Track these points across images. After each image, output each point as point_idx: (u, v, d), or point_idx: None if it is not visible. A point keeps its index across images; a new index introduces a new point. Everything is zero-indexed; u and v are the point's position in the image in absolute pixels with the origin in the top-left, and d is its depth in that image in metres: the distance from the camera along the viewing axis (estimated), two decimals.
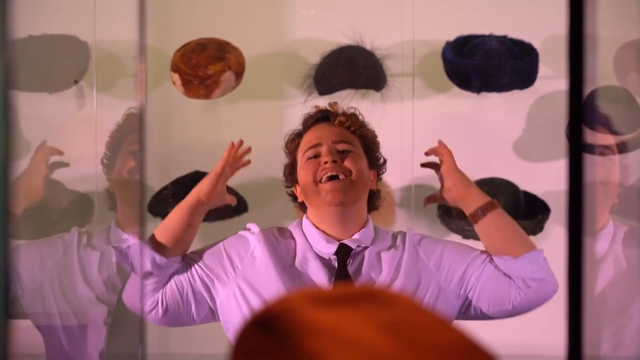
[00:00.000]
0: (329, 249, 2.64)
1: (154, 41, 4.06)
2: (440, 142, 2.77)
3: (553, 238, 3.89)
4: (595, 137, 3.23)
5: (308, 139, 2.71)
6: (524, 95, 3.91)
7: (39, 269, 3.16)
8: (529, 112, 4.03)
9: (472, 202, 2.69)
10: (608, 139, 3.24)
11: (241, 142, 2.77)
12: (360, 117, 2.76)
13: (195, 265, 2.67)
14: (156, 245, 2.63)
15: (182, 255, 2.67)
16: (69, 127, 3.73)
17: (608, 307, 3.15)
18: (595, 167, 3.20)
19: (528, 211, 3.84)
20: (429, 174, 4.16)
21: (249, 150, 2.78)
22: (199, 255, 2.70)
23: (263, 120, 4.10)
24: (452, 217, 3.85)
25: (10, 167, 1.23)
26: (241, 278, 2.64)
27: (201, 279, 2.66)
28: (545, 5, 3.97)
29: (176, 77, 3.83)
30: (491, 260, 2.67)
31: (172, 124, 4.15)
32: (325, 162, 2.63)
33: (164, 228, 2.66)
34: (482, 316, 2.68)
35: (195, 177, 3.92)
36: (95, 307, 3.15)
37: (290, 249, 2.68)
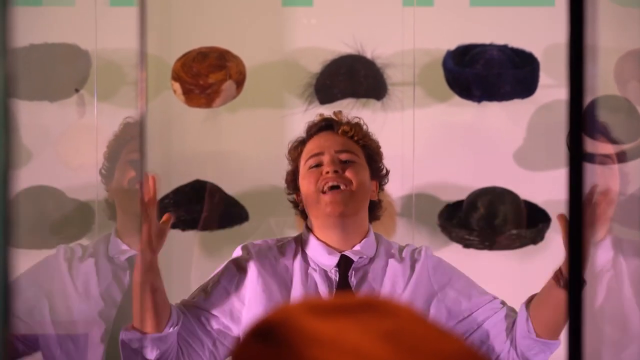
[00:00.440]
0: (330, 261, 2.62)
1: (155, 50, 4.06)
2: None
3: (554, 247, 3.89)
4: (595, 146, 3.23)
5: (311, 147, 2.69)
6: (524, 104, 3.91)
7: (35, 293, 3.14)
8: (529, 121, 4.03)
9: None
10: (608, 148, 3.24)
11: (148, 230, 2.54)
12: (364, 127, 2.74)
13: (210, 321, 2.61)
14: (143, 331, 2.52)
15: (169, 314, 2.55)
16: (69, 135, 3.73)
17: (609, 318, 3.14)
18: (596, 176, 3.20)
19: (529, 220, 3.84)
20: (430, 184, 4.16)
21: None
22: (203, 301, 2.63)
23: (264, 129, 4.10)
24: (453, 226, 3.85)
25: (10, 176, 1.23)
26: (250, 307, 2.62)
27: (218, 330, 2.61)
28: (545, 15, 3.98)
29: (177, 85, 3.83)
30: (503, 310, 2.65)
31: (172, 132, 4.15)
32: (327, 172, 2.61)
33: (137, 314, 2.54)
34: None
35: (196, 186, 3.92)
36: (92, 322, 3.13)
37: (290, 263, 2.67)
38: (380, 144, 2.83)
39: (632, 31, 3.71)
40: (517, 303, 2.68)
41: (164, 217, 2.54)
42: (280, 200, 4.02)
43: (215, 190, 3.88)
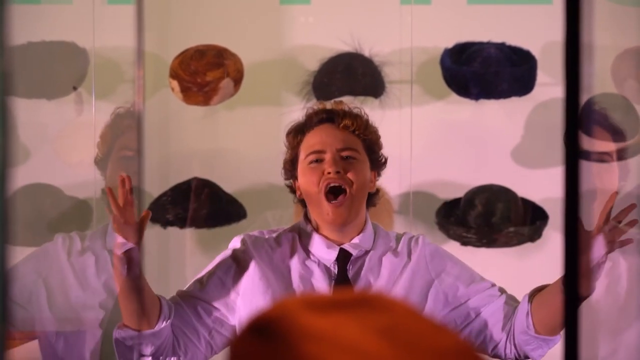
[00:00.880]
0: (329, 255, 2.62)
1: (153, 48, 4.06)
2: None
3: (551, 245, 3.89)
4: (594, 143, 3.23)
5: (312, 141, 2.64)
6: (522, 102, 3.92)
7: (33, 280, 3.14)
8: (527, 119, 4.03)
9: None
10: (607, 146, 3.24)
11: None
12: (364, 117, 2.70)
13: (206, 310, 2.60)
14: (135, 329, 2.51)
15: (160, 309, 2.54)
16: (67, 133, 3.73)
17: (605, 314, 3.15)
18: (593, 174, 3.20)
19: (526, 218, 3.84)
20: (427, 181, 4.16)
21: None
22: (199, 291, 2.63)
23: (262, 126, 4.11)
24: (450, 223, 3.86)
25: (8, 174, 1.23)
26: (246, 298, 2.62)
27: (214, 319, 2.61)
28: (543, 13, 3.98)
29: (175, 83, 3.83)
30: (502, 298, 2.63)
31: (170, 130, 4.15)
32: (329, 173, 2.59)
33: (125, 314, 2.53)
34: None
35: (194, 184, 3.93)
36: (90, 311, 3.14)
37: (287, 255, 2.66)
38: None
39: (629, 29, 3.71)
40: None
41: (143, 213, 2.53)
42: (278, 198, 4.02)
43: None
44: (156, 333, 2.51)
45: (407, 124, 3.97)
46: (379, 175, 2.73)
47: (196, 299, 2.62)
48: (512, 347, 2.59)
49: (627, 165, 3.24)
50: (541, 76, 3.89)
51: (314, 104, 2.77)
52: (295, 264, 2.64)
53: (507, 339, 2.59)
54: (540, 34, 3.95)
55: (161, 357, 2.56)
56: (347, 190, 2.57)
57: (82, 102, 3.70)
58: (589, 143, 3.22)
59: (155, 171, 4.09)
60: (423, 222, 3.97)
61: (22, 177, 3.47)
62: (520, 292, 2.67)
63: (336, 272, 2.62)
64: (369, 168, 2.65)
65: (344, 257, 2.62)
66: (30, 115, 3.64)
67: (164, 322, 2.52)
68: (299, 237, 2.67)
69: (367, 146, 2.66)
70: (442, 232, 3.86)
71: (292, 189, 2.70)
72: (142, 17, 1.88)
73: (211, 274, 2.65)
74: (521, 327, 2.55)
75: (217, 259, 2.68)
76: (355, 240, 2.63)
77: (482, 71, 3.82)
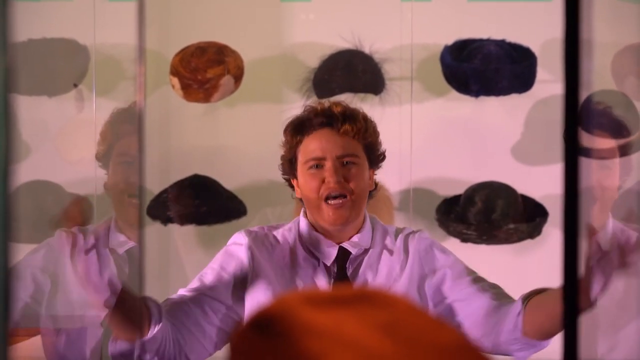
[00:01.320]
0: (328, 254, 2.62)
1: (154, 45, 4.07)
2: None
3: (551, 241, 3.90)
4: (594, 141, 3.24)
5: (311, 146, 2.62)
6: (522, 99, 3.92)
7: (38, 276, 3.14)
8: (527, 116, 4.04)
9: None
10: (608, 143, 3.24)
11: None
12: (363, 121, 2.64)
13: (211, 304, 2.60)
14: (128, 339, 2.50)
15: (149, 315, 2.50)
16: (68, 130, 3.74)
17: (605, 310, 3.15)
18: (593, 171, 3.21)
19: (526, 215, 3.84)
20: (427, 178, 4.17)
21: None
22: (203, 287, 2.63)
23: (262, 123, 4.11)
24: (450, 220, 3.86)
25: (10, 171, 1.24)
26: (247, 293, 2.62)
27: (219, 314, 2.60)
28: (543, 10, 3.98)
29: (175, 80, 3.84)
30: (487, 293, 2.59)
31: (171, 127, 4.16)
32: (329, 182, 2.58)
33: (114, 329, 2.49)
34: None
35: (195, 181, 3.93)
36: (92, 309, 3.14)
37: (287, 252, 2.66)
38: None
39: (629, 26, 3.71)
40: (515, 297, 2.67)
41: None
42: (278, 195, 4.03)
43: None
44: (149, 340, 2.50)
45: (407, 121, 3.97)
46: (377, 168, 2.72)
47: (200, 295, 2.60)
48: (497, 342, 2.55)
49: (628, 163, 3.24)
50: (541, 73, 3.89)
51: (312, 102, 2.74)
52: (294, 261, 2.64)
53: (491, 333, 2.55)
54: (540, 31, 3.95)
55: (164, 358, 2.55)
56: (348, 196, 2.58)
57: (82, 99, 3.71)
58: (588, 140, 3.22)
59: (156, 168, 4.10)
60: (423, 218, 3.97)
61: (23, 174, 3.47)
62: (520, 289, 2.65)
63: (335, 271, 2.62)
64: (368, 168, 2.64)
65: (343, 256, 2.63)
66: (31, 112, 3.64)
67: (155, 328, 2.48)
68: (299, 234, 2.67)
69: (367, 148, 2.64)
70: (442, 229, 3.87)
71: (291, 184, 2.70)
72: (142, 14, 1.89)
73: (213, 269, 2.65)
74: (509, 326, 2.51)
75: (219, 255, 2.68)
76: (354, 238, 2.63)
77: (482, 68, 3.82)
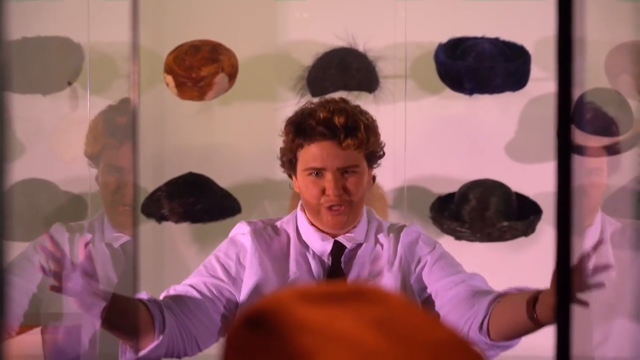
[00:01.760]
0: (323, 247, 2.64)
1: (148, 43, 4.07)
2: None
3: (545, 239, 3.90)
4: (587, 138, 3.24)
5: (312, 155, 2.59)
6: (516, 97, 3.92)
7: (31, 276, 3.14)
8: (521, 113, 4.04)
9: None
10: (601, 141, 3.25)
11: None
12: (363, 134, 2.58)
13: (217, 291, 2.61)
14: (135, 347, 2.49)
15: (152, 324, 2.49)
16: (62, 128, 3.73)
17: (596, 305, 3.16)
18: (586, 168, 3.21)
19: (520, 212, 3.85)
20: (421, 176, 4.17)
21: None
22: (205, 276, 2.63)
23: (256, 121, 4.11)
24: (444, 218, 3.87)
25: (4, 169, 1.24)
26: (247, 281, 2.63)
27: (225, 301, 2.61)
28: (537, 8, 3.99)
29: (169, 78, 3.84)
30: (464, 285, 2.58)
31: (165, 125, 4.16)
32: (329, 195, 2.58)
33: (119, 338, 2.51)
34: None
35: (189, 179, 3.93)
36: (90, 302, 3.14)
37: (284, 245, 2.68)
38: None
39: (622, 24, 3.72)
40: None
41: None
42: (272, 193, 4.03)
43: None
44: (157, 346, 2.50)
45: (401, 119, 3.97)
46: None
47: (207, 284, 2.61)
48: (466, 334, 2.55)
49: (618, 160, 3.25)
50: (535, 71, 3.89)
51: (316, 102, 2.68)
52: (292, 253, 2.66)
53: (462, 327, 2.55)
54: (534, 29, 3.96)
55: (175, 354, 2.56)
56: (347, 205, 2.59)
57: (77, 97, 3.70)
58: (581, 138, 3.23)
59: (150, 166, 4.10)
60: (417, 216, 3.98)
61: (17, 172, 3.47)
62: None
63: (330, 264, 2.64)
64: (367, 173, 2.64)
65: (337, 250, 2.64)
66: (25, 110, 3.64)
67: (161, 333, 2.49)
68: (296, 227, 2.69)
69: (367, 156, 2.63)
70: (436, 227, 3.87)
71: (289, 175, 2.70)
72: (137, 13, 1.89)
73: (219, 257, 2.67)
74: (476, 326, 2.52)
75: (223, 244, 2.70)
76: (350, 233, 2.65)
77: (476, 66, 3.82)
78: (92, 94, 3.70)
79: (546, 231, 3.88)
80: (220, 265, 2.65)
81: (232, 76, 3.88)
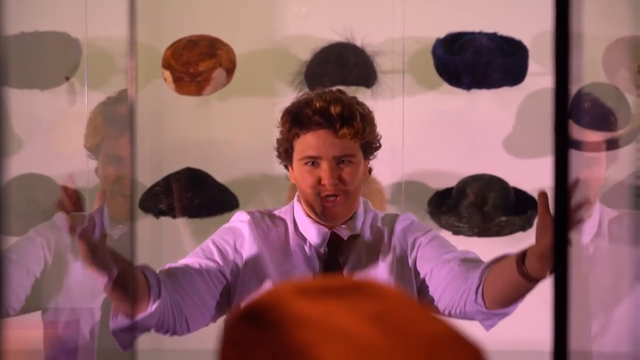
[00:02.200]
0: (319, 239, 2.64)
1: (145, 38, 4.07)
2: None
3: None
4: (585, 133, 3.25)
5: (308, 144, 2.60)
6: (513, 92, 3.93)
7: (44, 249, 3.15)
8: (518, 108, 4.04)
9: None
10: (598, 136, 3.25)
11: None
12: (359, 124, 2.59)
13: (206, 276, 2.60)
14: (129, 314, 2.48)
15: (148, 290, 2.49)
16: (60, 123, 3.73)
17: (594, 296, 3.16)
18: (583, 163, 3.22)
19: (518, 207, 3.85)
20: (419, 171, 4.17)
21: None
22: (200, 258, 2.64)
23: (254, 116, 4.11)
24: (442, 213, 3.87)
25: (2, 164, 1.24)
26: (244, 272, 2.63)
27: (221, 287, 2.61)
28: (534, 3, 3.99)
29: (167, 74, 3.84)
30: (454, 263, 2.60)
31: (163, 120, 4.16)
32: (324, 184, 2.58)
33: (115, 302, 2.48)
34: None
35: (187, 174, 3.93)
36: (90, 292, 3.15)
37: (281, 235, 2.68)
38: None
39: (620, 19, 3.72)
40: None
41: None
42: (270, 188, 4.03)
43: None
44: (149, 315, 2.50)
45: (399, 114, 3.98)
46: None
47: (203, 265, 2.61)
48: (464, 312, 2.56)
49: (616, 154, 3.26)
50: (533, 66, 3.90)
51: (312, 93, 2.68)
52: (287, 244, 2.66)
53: (457, 304, 2.56)
54: (531, 23, 3.96)
55: (163, 329, 2.56)
56: (343, 195, 2.59)
57: (74, 92, 3.70)
58: (579, 133, 3.23)
59: (148, 161, 4.10)
60: (415, 211, 3.98)
61: (15, 167, 3.47)
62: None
63: (326, 255, 2.64)
64: (363, 163, 2.65)
65: (334, 241, 2.65)
66: (23, 105, 3.64)
67: (155, 304, 2.49)
68: (291, 220, 2.69)
69: (363, 146, 2.64)
70: (434, 222, 3.88)
71: (286, 166, 2.70)
72: (134, 8, 1.89)
73: (216, 242, 2.67)
74: (472, 297, 2.53)
75: (221, 230, 2.70)
76: (346, 224, 2.66)
77: (473, 61, 3.82)
78: (89, 89, 3.70)
79: None
80: (216, 248, 2.65)
81: (229, 71, 3.88)
